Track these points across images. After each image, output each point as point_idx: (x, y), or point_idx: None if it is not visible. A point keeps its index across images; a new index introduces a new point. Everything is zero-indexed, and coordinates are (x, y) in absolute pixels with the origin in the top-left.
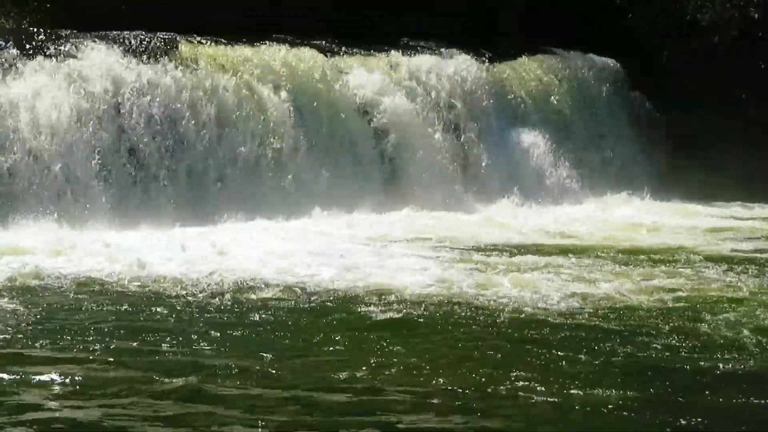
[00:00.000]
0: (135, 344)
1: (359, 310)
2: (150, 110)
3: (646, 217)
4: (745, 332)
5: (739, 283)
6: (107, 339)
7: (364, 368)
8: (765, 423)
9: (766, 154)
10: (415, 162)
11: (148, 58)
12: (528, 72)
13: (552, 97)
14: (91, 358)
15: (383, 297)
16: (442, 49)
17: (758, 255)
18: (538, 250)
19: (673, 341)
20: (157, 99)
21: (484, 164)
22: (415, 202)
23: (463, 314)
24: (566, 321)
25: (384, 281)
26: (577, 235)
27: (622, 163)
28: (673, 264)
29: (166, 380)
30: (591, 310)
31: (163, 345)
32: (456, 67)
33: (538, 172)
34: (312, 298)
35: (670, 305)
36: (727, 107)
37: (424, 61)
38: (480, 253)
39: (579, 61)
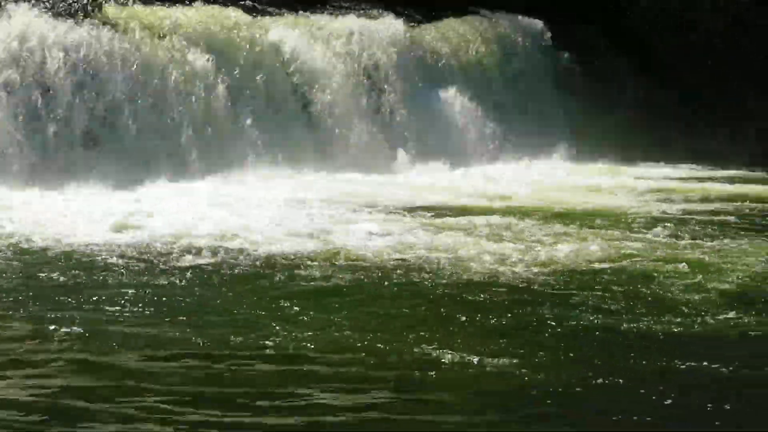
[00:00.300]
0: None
1: (276, 277)
2: (73, 68)
3: (577, 179)
4: (697, 296)
5: (688, 245)
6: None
7: (281, 334)
8: (698, 385)
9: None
10: (339, 123)
11: (71, 17)
12: (453, 33)
13: (477, 58)
14: None
15: (311, 261)
16: (368, 10)
17: (695, 216)
18: (477, 211)
19: (626, 304)
20: (80, 57)
21: (407, 125)
22: (338, 163)
23: (399, 278)
24: (520, 285)
25: (315, 245)
26: (512, 197)
27: (547, 124)
28: (619, 226)
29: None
30: (546, 275)
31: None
32: (381, 28)
33: (462, 132)
34: (237, 263)
35: (628, 268)
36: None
37: (349, 21)
38: (414, 215)
39: (505, 22)
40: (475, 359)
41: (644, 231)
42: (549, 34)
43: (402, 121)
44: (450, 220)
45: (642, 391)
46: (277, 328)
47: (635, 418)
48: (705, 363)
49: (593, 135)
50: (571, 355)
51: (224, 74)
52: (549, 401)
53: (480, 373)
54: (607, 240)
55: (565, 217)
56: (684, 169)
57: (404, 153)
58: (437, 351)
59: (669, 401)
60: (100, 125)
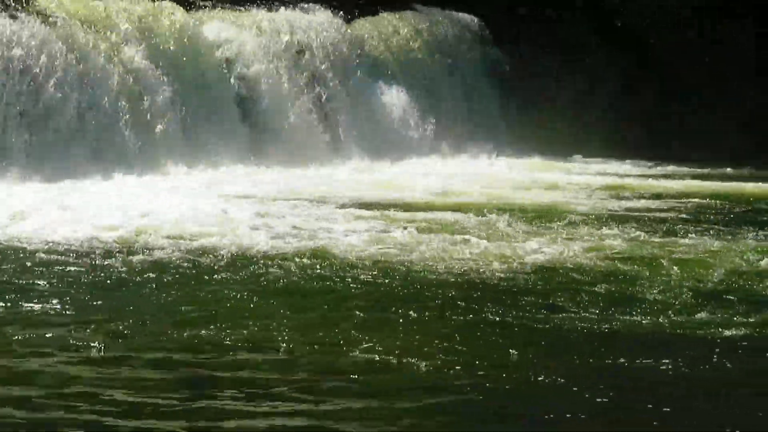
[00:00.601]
0: None
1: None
2: (5, 62)
3: (521, 174)
4: (666, 293)
5: (648, 242)
6: None
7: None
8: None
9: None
10: (276, 119)
11: (2, 8)
12: (388, 28)
13: (412, 53)
14: None
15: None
16: (302, 4)
17: (645, 214)
18: (429, 208)
19: (582, 302)
20: (10, 52)
21: (344, 120)
22: (278, 159)
23: (351, 274)
24: (484, 283)
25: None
26: (458, 192)
27: (481, 119)
28: (569, 223)
29: None
30: (502, 272)
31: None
32: (316, 23)
33: (399, 127)
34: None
35: (584, 266)
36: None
37: (284, 15)
38: (361, 210)
39: (439, 17)
40: (427, 360)
41: (595, 227)
42: (485, 30)
43: (340, 116)
44: (399, 215)
45: (587, 390)
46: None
47: (583, 416)
48: (661, 360)
49: (528, 130)
50: (527, 354)
51: (159, 68)
52: (506, 401)
53: (434, 373)
54: (562, 237)
55: (513, 213)
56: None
57: (340, 148)
58: (388, 352)
59: (609, 401)
60: (33, 121)
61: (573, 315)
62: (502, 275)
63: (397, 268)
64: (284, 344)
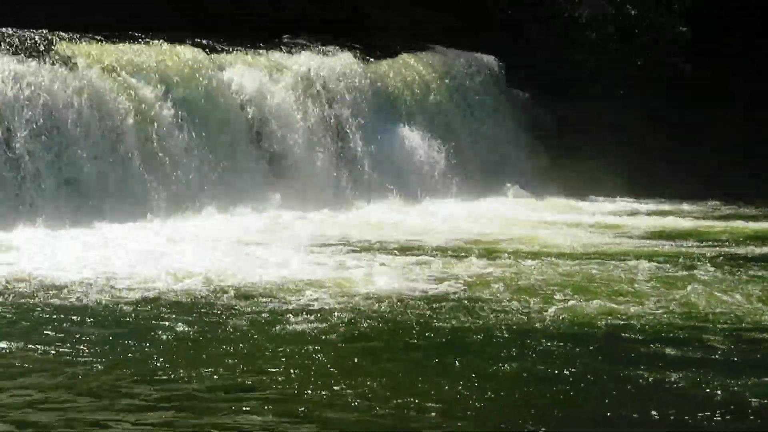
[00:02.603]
0: None
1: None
2: (29, 110)
3: (546, 215)
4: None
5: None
6: None
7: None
8: None
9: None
10: (296, 160)
11: (25, 56)
12: (408, 69)
13: (432, 94)
14: None
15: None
16: (322, 46)
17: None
18: (452, 252)
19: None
20: (36, 98)
21: (365, 161)
22: (297, 201)
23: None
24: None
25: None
26: (489, 233)
27: (502, 159)
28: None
29: None
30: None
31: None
32: (337, 65)
33: (419, 168)
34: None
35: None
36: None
37: (304, 58)
38: (392, 255)
39: (459, 58)
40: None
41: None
42: (503, 71)
43: (360, 157)
44: (425, 258)
45: None
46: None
47: None
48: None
49: (548, 171)
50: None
51: (180, 112)
52: None
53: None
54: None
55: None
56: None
57: (360, 190)
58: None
59: None
60: (55, 162)
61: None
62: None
63: (460, 315)
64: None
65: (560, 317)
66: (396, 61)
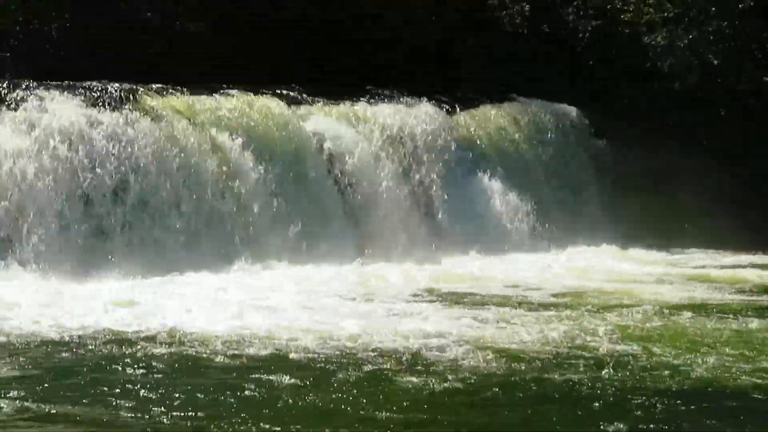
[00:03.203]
0: None
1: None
2: (114, 161)
3: (635, 266)
4: None
5: None
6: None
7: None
8: None
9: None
10: (378, 211)
11: (110, 108)
12: (489, 120)
13: (513, 145)
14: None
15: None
16: (404, 98)
17: None
18: (554, 307)
19: None
20: (120, 149)
21: (445, 212)
22: (380, 253)
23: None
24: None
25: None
26: (589, 286)
27: (586, 211)
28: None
29: None
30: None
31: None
32: (418, 116)
33: (500, 219)
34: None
35: None
36: (688, 148)
37: (386, 109)
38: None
39: (540, 109)
40: None
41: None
42: (585, 121)
43: (440, 207)
44: (516, 313)
45: None
46: None
47: None
48: None
49: (634, 221)
50: None
51: (263, 164)
52: None
53: None
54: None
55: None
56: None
57: (443, 242)
58: None
59: None
60: (139, 214)
61: None
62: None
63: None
64: None
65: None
66: (477, 110)
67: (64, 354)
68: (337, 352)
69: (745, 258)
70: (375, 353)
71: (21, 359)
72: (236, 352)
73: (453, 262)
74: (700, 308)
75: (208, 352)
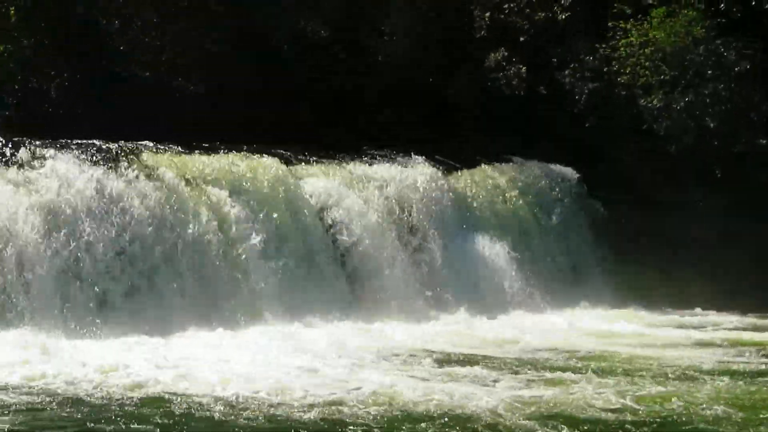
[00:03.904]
0: None
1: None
2: (109, 218)
3: (646, 330)
4: None
5: None
6: None
7: None
8: None
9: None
10: (374, 271)
11: (108, 167)
12: (486, 180)
13: (510, 206)
14: None
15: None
16: (400, 158)
17: None
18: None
19: None
20: (117, 207)
21: (443, 273)
22: (375, 312)
23: None
24: None
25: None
26: (597, 348)
27: (581, 271)
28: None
29: None
30: None
31: None
32: (414, 175)
33: (498, 280)
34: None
35: None
36: (684, 209)
37: (382, 169)
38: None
39: (537, 170)
40: None
41: None
42: (582, 183)
43: (437, 268)
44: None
45: None
46: None
47: None
48: None
49: (626, 283)
50: None
51: (258, 222)
52: None
53: None
54: None
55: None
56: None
57: (438, 301)
58: None
59: None
60: (138, 276)
61: None
62: None
63: None
64: None
65: None
66: (474, 171)
67: None
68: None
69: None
70: None
71: None
72: None
73: (446, 320)
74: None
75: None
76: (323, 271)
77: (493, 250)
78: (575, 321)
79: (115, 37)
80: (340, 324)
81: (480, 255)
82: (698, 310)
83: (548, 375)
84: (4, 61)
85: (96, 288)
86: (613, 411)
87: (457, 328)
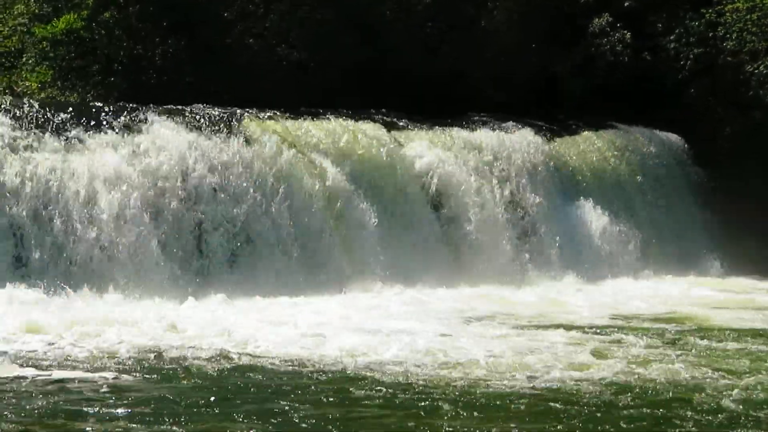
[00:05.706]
0: None
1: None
2: (215, 185)
3: (741, 297)
4: None
5: None
6: None
7: None
8: None
9: None
10: (476, 236)
11: (213, 132)
12: (590, 147)
13: (613, 173)
14: None
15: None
16: (504, 123)
17: None
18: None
19: None
20: (222, 174)
21: (544, 238)
22: (476, 277)
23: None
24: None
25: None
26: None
27: (687, 237)
28: None
29: None
30: None
31: None
32: (517, 142)
33: (599, 246)
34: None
35: None
36: None
37: (484, 135)
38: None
39: (641, 137)
40: None
41: None
42: (687, 149)
43: (540, 234)
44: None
45: None
46: None
47: None
48: None
49: (738, 252)
50: None
51: (360, 188)
52: None
53: None
54: None
55: None
56: None
57: (539, 267)
58: None
59: None
60: (236, 238)
61: None
62: None
63: None
64: None
65: None
66: (577, 137)
67: None
68: None
69: None
70: None
71: None
72: None
73: (549, 287)
74: None
75: None
76: (426, 238)
77: (594, 216)
78: (687, 288)
79: (220, 4)
80: (443, 291)
81: (584, 221)
82: None
83: None
84: (110, 28)
85: (199, 255)
86: None
87: (566, 297)
